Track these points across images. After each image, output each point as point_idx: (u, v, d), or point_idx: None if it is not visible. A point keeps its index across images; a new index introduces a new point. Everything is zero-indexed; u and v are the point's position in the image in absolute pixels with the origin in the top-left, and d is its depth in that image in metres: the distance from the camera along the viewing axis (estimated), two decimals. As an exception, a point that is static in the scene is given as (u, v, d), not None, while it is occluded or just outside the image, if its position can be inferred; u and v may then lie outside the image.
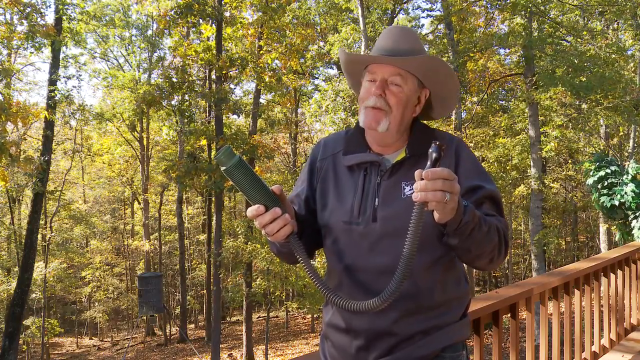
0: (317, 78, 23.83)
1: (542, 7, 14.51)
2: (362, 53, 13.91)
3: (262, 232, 1.26)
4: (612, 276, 3.88)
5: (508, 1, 14.22)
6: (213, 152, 15.87)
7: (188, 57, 15.47)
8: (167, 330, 22.11)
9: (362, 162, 1.43)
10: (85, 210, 28.84)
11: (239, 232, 17.30)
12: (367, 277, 1.37)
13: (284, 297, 21.28)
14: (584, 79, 13.01)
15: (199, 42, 16.00)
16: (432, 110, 1.52)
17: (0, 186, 13.62)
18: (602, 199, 6.79)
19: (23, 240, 16.10)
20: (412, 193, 1.31)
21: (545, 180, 15.37)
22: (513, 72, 17.55)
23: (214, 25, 14.94)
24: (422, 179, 1.10)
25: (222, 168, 1.19)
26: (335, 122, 15.26)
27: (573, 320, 3.31)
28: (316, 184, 1.50)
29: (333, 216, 1.43)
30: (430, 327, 1.38)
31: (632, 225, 6.60)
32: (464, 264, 1.47)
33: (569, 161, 18.93)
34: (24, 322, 17.13)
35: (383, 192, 1.39)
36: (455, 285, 1.44)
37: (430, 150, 1.13)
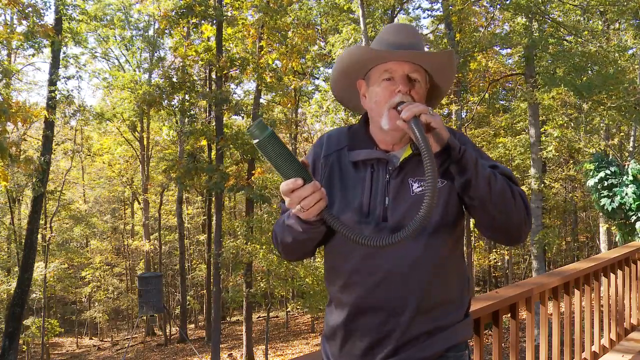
0: (318, 78, 23.83)
1: (542, 7, 14.51)
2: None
3: (294, 208, 1.23)
4: (612, 276, 3.88)
5: (508, 1, 14.22)
6: (213, 152, 15.87)
7: (188, 58, 15.48)
8: (167, 330, 22.10)
9: (369, 159, 1.41)
10: (85, 210, 28.83)
11: (239, 232, 17.30)
12: (379, 277, 1.35)
13: (288, 296, 21.27)
14: (585, 78, 13.01)
15: (199, 42, 16.01)
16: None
17: (0, 186, 13.63)
18: (603, 201, 6.79)
19: (23, 240, 16.10)
20: (420, 190, 1.34)
21: (545, 180, 15.36)
22: (514, 72, 17.56)
23: (214, 26, 14.95)
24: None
25: (255, 141, 1.18)
26: (336, 122, 15.27)
27: (573, 320, 3.30)
28: (320, 180, 1.45)
29: (340, 215, 1.39)
30: (434, 328, 1.37)
31: (636, 226, 6.59)
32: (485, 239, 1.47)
33: (570, 161, 18.94)
34: (24, 322, 17.13)
35: (393, 191, 1.36)
36: (458, 285, 1.44)
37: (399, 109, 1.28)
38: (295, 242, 1.39)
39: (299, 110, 23.73)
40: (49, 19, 14.70)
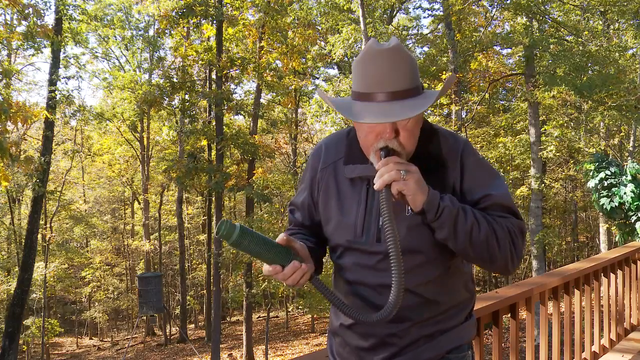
0: (318, 78, 23.83)
1: (542, 7, 14.52)
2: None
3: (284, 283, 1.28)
4: (612, 276, 3.88)
5: (509, 1, 14.22)
6: (213, 152, 15.87)
7: (189, 58, 15.48)
8: (167, 330, 22.10)
9: (364, 176, 1.36)
10: (86, 210, 28.82)
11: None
12: (371, 293, 1.36)
13: (291, 295, 21.20)
14: (586, 78, 13.03)
15: (199, 42, 16.00)
16: None
17: (0, 186, 13.66)
18: (602, 200, 6.79)
19: (23, 240, 16.11)
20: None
21: (545, 180, 15.37)
22: (514, 72, 17.56)
23: (214, 26, 14.95)
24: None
25: (229, 242, 1.19)
26: (336, 122, 15.26)
27: (573, 320, 3.31)
28: (317, 195, 1.44)
29: (336, 233, 1.39)
30: (434, 332, 1.37)
31: (636, 226, 6.59)
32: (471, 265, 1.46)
33: (570, 161, 18.94)
34: (24, 322, 17.13)
35: None
36: (462, 290, 1.44)
37: (381, 154, 1.24)
38: None
39: (299, 110, 23.73)
40: (49, 19, 14.71)
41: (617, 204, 6.70)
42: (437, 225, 1.24)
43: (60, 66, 15.40)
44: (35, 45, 13.90)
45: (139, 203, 26.59)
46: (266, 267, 1.24)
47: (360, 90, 1.26)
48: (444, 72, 14.49)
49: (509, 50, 18.56)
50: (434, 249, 1.32)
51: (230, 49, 16.92)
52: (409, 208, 1.30)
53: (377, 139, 1.26)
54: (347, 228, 1.36)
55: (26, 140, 19.58)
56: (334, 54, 15.71)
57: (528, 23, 14.98)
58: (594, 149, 15.02)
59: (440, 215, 1.22)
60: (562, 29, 15.42)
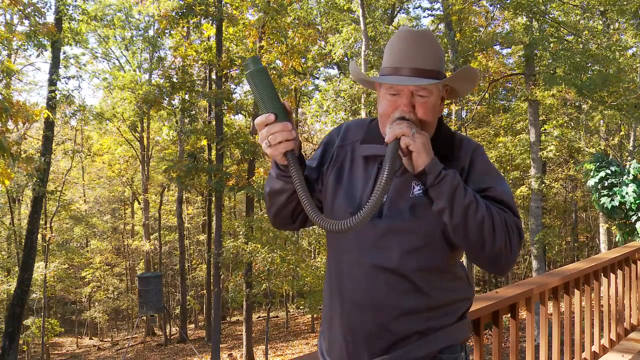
0: (318, 78, 23.84)
1: (543, 7, 14.53)
2: (363, 53, 13.90)
3: (263, 144, 1.29)
4: (612, 276, 3.88)
5: (509, 1, 14.22)
6: (213, 152, 15.88)
7: (188, 57, 15.48)
8: (167, 330, 22.10)
9: (378, 155, 1.41)
10: (86, 210, 28.83)
11: (239, 232, 17.30)
12: (367, 272, 1.36)
13: (292, 293, 21.21)
14: (585, 78, 13.04)
15: (199, 42, 16.00)
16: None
17: (0, 186, 13.66)
18: (603, 200, 6.77)
19: (23, 240, 16.11)
20: (420, 192, 1.34)
21: (545, 180, 15.37)
22: (514, 72, 17.56)
23: (214, 25, 14.95)
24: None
25: (247, 71, 1.27)
26: (336, 122, 15.26)
27: (573, 320, 3.31)
28: (327, 168, 1.49)
29: (341, 206, 1.41)
30: (427, 328, 1.37)
31: (636, 226, 6.59)
32: (467, 263, 1.46)
33: (570, 161, 18.95)
34: (24, 322, 17.13)
35: (393, 189, 1.37)
36: (458, 288, 1.44)
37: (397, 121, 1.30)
38: (272, 192, 1.45)
39: (299, 110, 23.73)
40: (49, 19, 14.69)
41: (617, 204, 6.68)
42: (435, 192, 1.26)
43: (60, 66, 15.40)
44: (38, 44, 13.86)
45: (139, 203, 26.59)
46: (261, 115, 1.28)
47: (387, 65, 1.37)
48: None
49: (509, 50, 18.55)
50: (434, 234, 1.33)
51: (230, 48, 16.92)
52: (414, 190, 1.35)
53: (395, 111, 1.35)
54: (351, 201, 1.40)
55: (26, 140, 19.58)
56: (334, 54, 15.72)
57: (528, 23, 14.99)
58: (594, 149, 15.02)
59: (441, 181, 1.25)
60: (562, 29, 15.42)
